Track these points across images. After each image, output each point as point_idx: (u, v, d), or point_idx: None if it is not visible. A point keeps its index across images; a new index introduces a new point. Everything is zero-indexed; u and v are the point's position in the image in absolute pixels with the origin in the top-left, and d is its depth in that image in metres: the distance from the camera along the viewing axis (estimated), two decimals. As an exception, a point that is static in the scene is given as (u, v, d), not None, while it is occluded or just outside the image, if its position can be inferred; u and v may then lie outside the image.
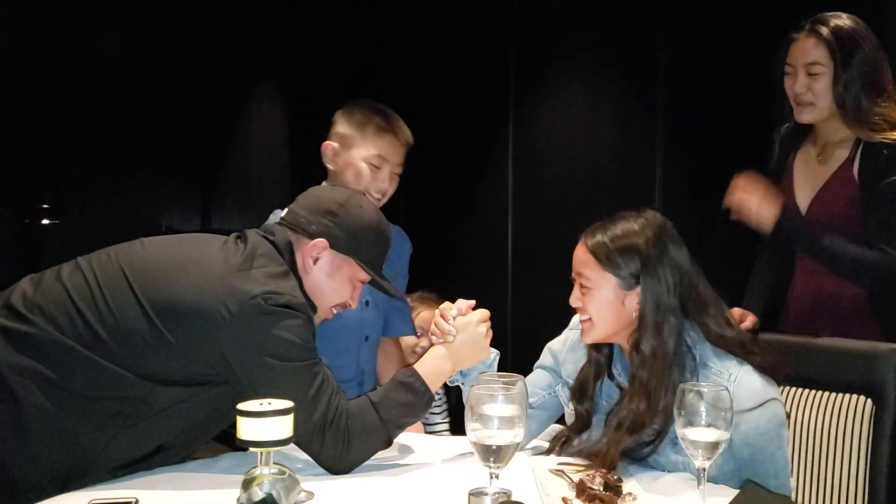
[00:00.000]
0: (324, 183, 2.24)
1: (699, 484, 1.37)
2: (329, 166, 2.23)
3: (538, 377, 1.88)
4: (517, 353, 2.67)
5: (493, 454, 1.33)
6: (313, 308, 1.70)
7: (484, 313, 1.77)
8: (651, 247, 1.63)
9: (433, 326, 1.77)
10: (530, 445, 1.84)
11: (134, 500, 1.40)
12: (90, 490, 1.47)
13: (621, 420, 1.62)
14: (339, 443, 1.57)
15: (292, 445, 1.52)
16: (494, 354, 1.84)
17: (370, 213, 1.79)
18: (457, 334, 1.74)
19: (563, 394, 1.83)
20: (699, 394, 1.35)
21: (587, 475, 1.48)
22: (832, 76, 2.07)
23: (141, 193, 5.37)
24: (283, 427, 1.35)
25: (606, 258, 1.64)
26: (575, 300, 1.71)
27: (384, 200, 2.21)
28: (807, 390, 1.89)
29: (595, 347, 1.74)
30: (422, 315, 2.79)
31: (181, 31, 5.45)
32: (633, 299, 1.64)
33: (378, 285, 1.81)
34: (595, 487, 1.43)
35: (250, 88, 5.72)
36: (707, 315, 1.64)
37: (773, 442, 1.59)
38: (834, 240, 2.05)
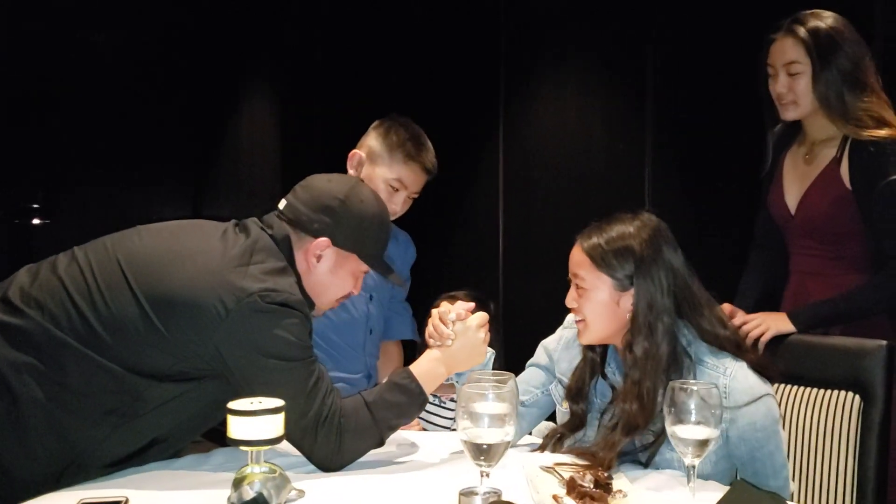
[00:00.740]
0: None
1: (689, 481, 1.38)
2: (351, 173, 2.29)
3: (531, 375, 1.89)
4: (508, 352, 2.68)
5: (484, 453, 1.33)
6: (311, 305, 1.70)
7: (482, 318, 1.77)
8: (645, 248, 1.64)
9: (430, 328, 1.77)
10: (522, 442, 1.85)
11: (124, 500, 1.40)
12: (80, 489, 1.46)
13: (614, 421, 1.63)
14: (332, 441, 1.57)
15: (284, 443, 1.53)
16: (490, 354, 1.84)
17: (371, 206, 1.76)
18: (455, 339, 1.74)
19: (557, 392, 1.84)
20: (688, 391, 1.35)
21: (577, 472, 1.48)
22: (811, 75, 2.08)
23: (132, 193, 5.35)
24: (274, 426, 1.35)
25: (601, 259, 1.66)
26: (571, 301, 1.72)
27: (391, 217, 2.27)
28: (795, 386, 1.90)
29: (589, 346, 1.75)
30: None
31: (173, 29, 5.44)
32: (628, 300, 1.65)
33: (381, 273, 1.80)
34: (585, 485, 1.44)
35: (242, 87, 5.71)
36: (701, 316, 1.66)
37: (771, 440, 1.60)
38: (857, 296, 2.04)
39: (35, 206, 5.02)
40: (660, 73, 3.87)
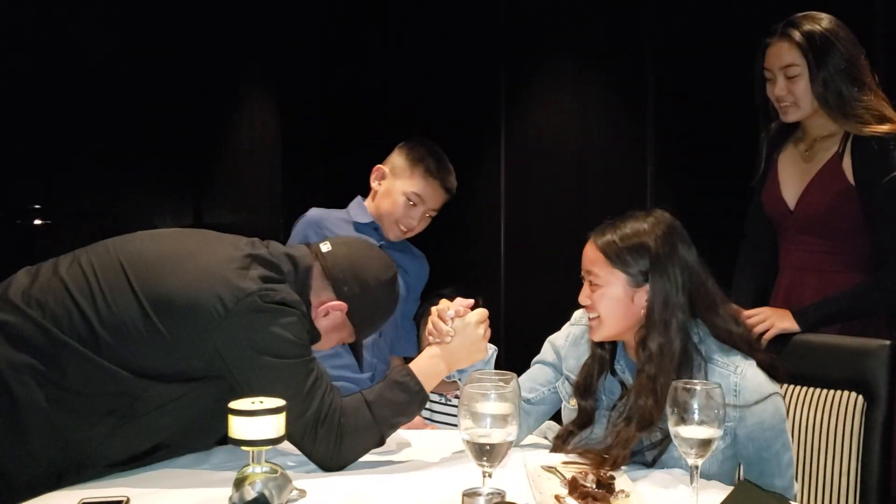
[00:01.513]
0: (364, 200, 2.43)
1: (692, 481, 1.37)
2: (373, 185, 2.42)
3: (538, 372, 1.88)
4: (510, 350, 2.68)
5: (486, 453, 1.32)
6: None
7: (482, 314, 1.76)
8: (660, 245, 1.64)
9: (430, 326, 1.76)
10: (525, 442, 1.84)
11: (125, 499, 1.39)
12: (81, 489, 1.46)
13: (629, 416, 1.63)
14: (332, 440, 1.57)
15: (285, 443, 1.52)
16: (492, 351, 1.84)
17: (392, 302, 1.83)
18: (454, 335, 1.73)
19: (564, 389, 1.83)
20: (691, 391, 1.35)
21: (580, 472, 1.48)
22: (809, 76, 2.09)
23: (133, 194, 5.34)
24: (275, 426, 1.35)
25: (616, 256, 1.66)
26: (584, 298, 1.71)
27: (409, 235, 2.41)
28: (798, 386, 1.90)
29: (598, 343, 1.75)
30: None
31: (173, 32, 5.43)
32: (642, 297, 1.65)
33: (355, 348, 1.88)
34: (588, 485, 1.43)
35: (242, 90, 5.71)
36: (715, 313, 1.66)
37: (778, 439, 1.60)
38: (859, 294, 2.04)
39: (36, 206, 5.01)
40: (659, 73, 3.87)
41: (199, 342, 1.53)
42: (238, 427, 1.33)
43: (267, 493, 1.31)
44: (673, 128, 3.84)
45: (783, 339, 1.98)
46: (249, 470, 1.34)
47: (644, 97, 3.91)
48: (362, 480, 1.57)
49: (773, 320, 2.01)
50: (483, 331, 1.75)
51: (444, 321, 1.74)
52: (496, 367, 1.76)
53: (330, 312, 1.73)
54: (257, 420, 1.33)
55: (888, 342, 1.79)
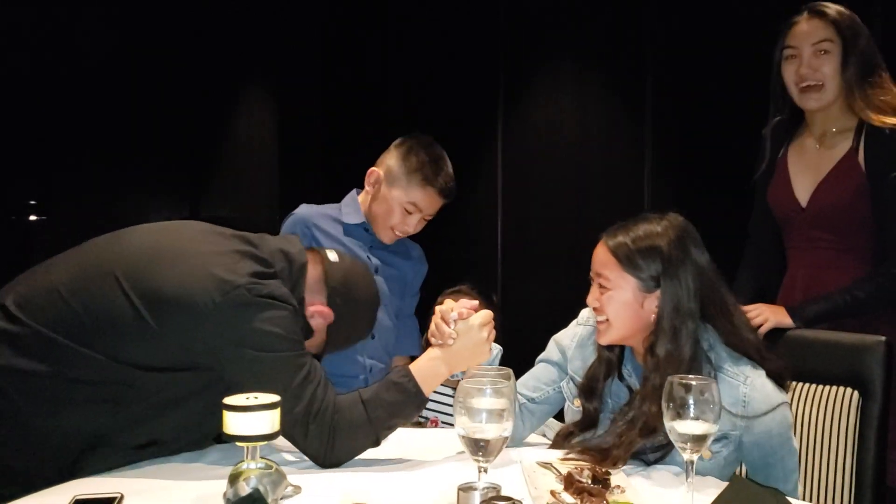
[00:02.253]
0: (359, 194, 2.39)
1: (687, 477, 1.37)
2: (367, 188, 2.35)
3: (542, 371, 1.86)
4: (508, 348, 2.67)
5: (482, 448, 1.32)
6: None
7: (486, 316, 1.72)
8: (673, 249, 1.61)
9: (433, 327, 1.73)
10: (527, 441, 1.84)
11: (119, 496, 1.39)
12: (74, 486, 1.46)
13: (632, 421, 1.61)
14: (324, 436, 1.56)
15: (281, 439, 1.52)
16: (497, 350, 1.82)
17: (362, 331, 1.92)
18: (457, 338, 1.70)
19: (568, 389, 1.81)
20: (687, 386, 1.35)
21: (575, 468, 1.48)
22: (841, 57, 2.06)
23: (129, 190, 5.34)
24: (270, 421, 1.34)
25: (627, 259, 1.63)
26: (593, 301, 1.69)
27: (403, 236, 2.36)
28: (794, 382, 1.89)
29: (606, 346, 1.72)
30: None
31: (170, 30, 5.42)
32: (653, 302, 1.63)
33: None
34: (583, 480, 1.43)
35: (240, 88, 5.70)
36: (728, 319, 1.63)
37: (784, 446, 1.59)
38: (855, 291, 2.04)
39: (32, 202, 5.01)
40: (657, 73, 3.87)
41: (189, 336, 1.53)
42: (233, 422, 1.33)
43: (262, 488, 1.31)
44: (671, 127, 3.85)
45: (777, 334, 1.98)
46: (244, 466, 1.34)
47: (643, 97, 3.91)
48: (357, 476, 1.56)
49: (766, 315, 2.00)
50: (487, 333, 1.71)
51: (447, 323, 1.70)
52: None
53: (315, 316, 1.74)
54: (252, 415, 1.33)
55: (883, 338, 1.79)
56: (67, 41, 4.92)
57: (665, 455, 1.60)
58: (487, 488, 1.34)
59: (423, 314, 2.38)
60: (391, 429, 1.66)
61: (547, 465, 1.55)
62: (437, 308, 1.75)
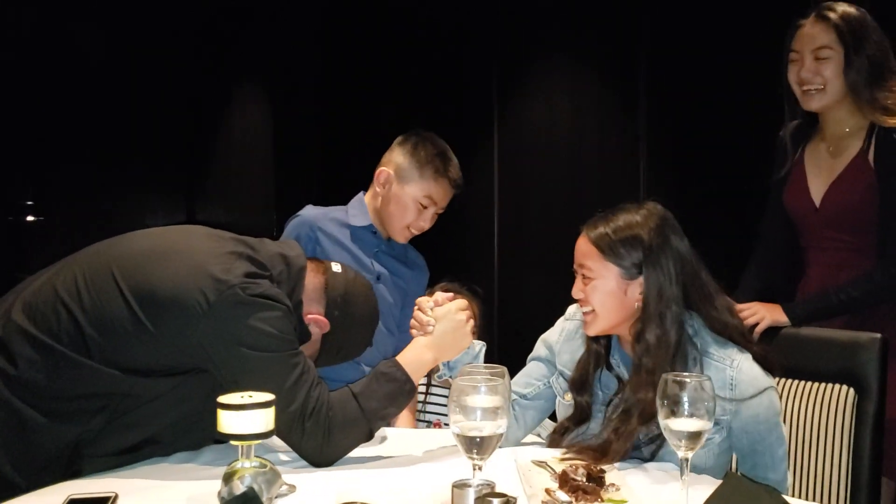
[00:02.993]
0: (365, 195, 2.35)
1: (682, 474, 1.37)
2: (377, 189, 2.30)
3: (532, 369, 1.87)
4: (503, 345, 2.67)
5: (476, 446, 1.32)
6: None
7: (462, 302, 1.77)
8: (653, 237, 1.64)
9: (413, 320, 1.77)
10: (526, 441, 1.84)
11: (113, 496, 1.39)
12: (68, 486, 1.45)
13: (626, 410, 1.62)
14: (320, 434, 1.56)
15: (275, 438, 1.52)
16: (480, 346, 1.84)
17: (359, 347, 1.88)
18: (436, 324, 1.74)
19: (558, 384, 1.82)
20: (682, 384, 1.35)
21: (570, 466, 1.48)
22: (842, 61, 2.07)
23: (125, 191, 5.33)
24: (265, 420, 1.34)
25: (609, 249, 1.65)
26: (577, 292, 1.70)
27: (418, 233, 2.32)
28: (790, 380, 1.90)
29: (594, 338, 1.74)
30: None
31: (169, 31, 5.42)
32: (636, 289, 1.65)
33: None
34: (578, 478, 1.43)
35: (235, 87, 5.69)
36: (710, 304, 1.66)
37: (772, 432, 1.60)
38: (851, 289, 2.04)
39: (28, 203, 5.00)
40: (652, 70, 3.88)
41: (183, 336, 1.52)
42: (227, 421, 1.33)
43: (256, 487, 1.30)
44: (665, 123, 3.85)
45: (773, 332, 1.98)
46: (239, 465, 1.33)
47: (636, 93, 3.91)
48: (352, 475, 1.56)
49: (762, 313, 2.00)
50: (464, 317, 1.75)
51: (424, 312, 1.75)
52: (489, 362, 1.75)
53: (311, 324, 1.74)
54: (246, 414, 1.32)
55: (878, 335, 1.79)
56: (63, 42, 4.91)
57: (660, 448, 1.61)
58: (482, 485, 1.34)
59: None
60: (384, 419, 1.67)
61: (542, 464, 1.55)
62: (417, 301, 1.80)
